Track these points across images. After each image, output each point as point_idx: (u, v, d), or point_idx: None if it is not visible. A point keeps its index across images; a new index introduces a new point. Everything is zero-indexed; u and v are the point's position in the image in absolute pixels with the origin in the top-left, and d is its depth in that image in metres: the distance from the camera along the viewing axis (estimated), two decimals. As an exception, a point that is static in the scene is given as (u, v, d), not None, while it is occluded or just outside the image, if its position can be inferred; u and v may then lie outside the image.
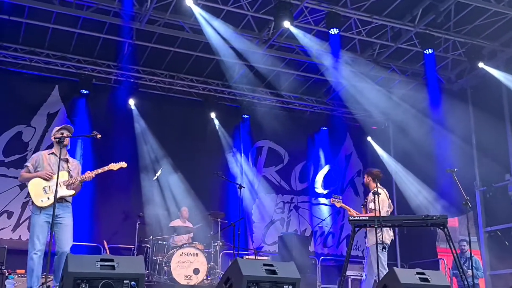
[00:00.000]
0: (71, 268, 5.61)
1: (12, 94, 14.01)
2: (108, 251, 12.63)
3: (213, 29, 12.67)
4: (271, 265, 6.52)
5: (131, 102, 15.14)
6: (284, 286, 6.42)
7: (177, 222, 12.99)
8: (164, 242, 12.19)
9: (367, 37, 13.70)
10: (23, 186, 13.50)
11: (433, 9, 12.34)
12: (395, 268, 7.27)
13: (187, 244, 11.81)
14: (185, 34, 13.33)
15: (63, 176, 7.73)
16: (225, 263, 13.17)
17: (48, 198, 7.57)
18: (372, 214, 8.79)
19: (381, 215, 8.72)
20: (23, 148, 14.11)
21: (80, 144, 14.26)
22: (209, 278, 11.69)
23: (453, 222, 16.05)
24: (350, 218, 8.71)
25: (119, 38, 13.54)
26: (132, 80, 15.07)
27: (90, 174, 7.88)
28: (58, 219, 7.56)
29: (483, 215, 14.18)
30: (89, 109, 14.68)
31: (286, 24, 11.95)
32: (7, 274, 10.34)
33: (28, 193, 7.76)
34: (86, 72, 14.53)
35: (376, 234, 8.43)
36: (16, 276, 10.55)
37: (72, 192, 7.80)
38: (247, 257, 13.38)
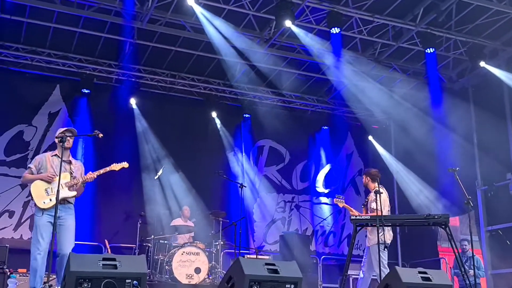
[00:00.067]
0: (73, 268, 5.62)
1: (14, 94, 14.01)
2: (109, 250, 12.63)
3: (215, 28, 12.66)
4: (273, 264, 6.52)
5: (132, 101, 15.14)
6: (286, 286, 6.42)
7: (178, 221, 13.01)
8: (166, 241, 12.19)
9: (369, 36, 13.69)
10: (24, 185, 13.51)
11: (435, 8, 12.33)
12: (397, 267, 7.27)
13: (189, 243, 11.82)
14: (186, 33, 13.33)
15: (65, 177, 7.75)
16: (227, 262, 13.19)
17: (50, 200, 7.60)
18: (374, 214, 8.79)
19: (383, 214, 8.72)
20: (24, 148, 14.12)
21: (82, 144, 14.28)
22: (210, 277, 11.69)
23: (454, 221, 16.07)
24: (352, 217, 8.72)
25: (120, 37, 13.53)
26: (133, 79, 15.07)
27: (92, 175, 7.90)
28: (60, 221, 7.59)
29: (485, 214, 14.17)
30: (90, 109, 14.68)
31: (288, 23, 11.93)
32: (8, 273, 10.34)
33: (30, 194, 7.78)
34: (88, 72, 14.53)
35: (378, 233, 8.42)
36: (18, 275, 10.56)
37: (74, 193, 7.81)
38: (248, 256, 13.38)
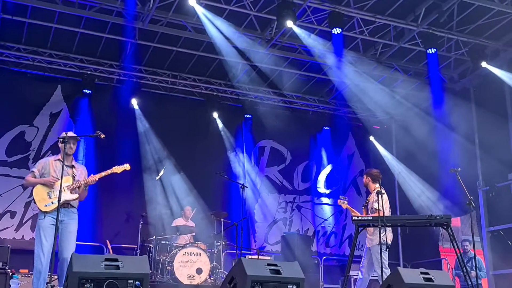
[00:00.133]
0: (76, 268, 5.61)
1: (15, 94, 14.01)
2: (111, 251, 12.63)
3: (216, 28, 12.66)
4: (275, 265, 6.50)
5: (134, 101, 15.14)
6: (289, 286, 6.40)
7: (179, 221, 13.01)
8: (167, 242, 12.19)
9: (370, 37, 13.70)
10: (25, 186, 13.54)
11: (436, 9, 12.33)
12: (399, 268, 7.26)
13: (190, 244, 11.81)
14: (188, 33, 13.33)
15: (68, 181, 7.80)
16: (228, 263, 13.19)
17: (52, 203, 7.64)
18: (376, 214, 8.78)
19: (385, 215, 8.70)
20: (26, 148, 14.12)
21: (83, 144, 14.26)
22: (212, 278, 11.69)
23: (455, 222, 16.02)
24: (354, 218, 8.70)
25: (121, 37, 13.54)
26: (134, 79, 15.07)
27: (93, 178, 7.93)
28: (62, 225, 7.66)
29: (486, 214, 14.18)
30: (91, 109, 14.68)
31: (289, 23, 11.94)
32: (10, 273, 10.34)
33: (33, 197, 7.83)
34: (89, 72, 14.53)
35: (380, 234, 8.41)
36: (20, 275, 10.57)
37: (76, 196, 7.83)
38: (249, 256, 13.37)
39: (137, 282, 5.73)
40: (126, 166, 8.26)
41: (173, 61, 14.89)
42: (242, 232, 11.33)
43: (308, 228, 16.87)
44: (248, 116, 16.55)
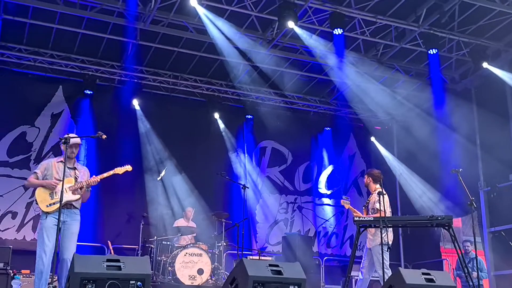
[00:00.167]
0: (77, 269, 5.62)
1: (16, 95, 14.01)
2: (112, 251, 12.64)
3: (217, 29, 12.67)
4: (277, 266, 6.52)
5: (135, 102, 15.14)
6: (290, 287, 6.42)
7: (180, 222, 13.02)
8: (168, 243, 12.19)
9: (371, 37, 13.69)
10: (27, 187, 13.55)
11: (437, 9, 12.32)
12: (400, 268, 7.26)
13: (191, 245, 11.81)
14: (189, 34, 13.33)
15: (70, 182, 7.83)
16: (229, 263, 13.20)
17: (54, 204, 7.66)
18: (378, 215, 8.78)
19: (386, 215, 8.71)
20: (27, 149, 14.12)
21: (84, 145, 14.26)
22: (213, 278, 11.69)
23: (456, 222, 16.03)
24: (355, 218, 8.70)
25: (123, 38, 13.54)
26: (136, 80, 15.07)
27: (95, 179, 7.95)
28: (64, 226, 7.69)
29: (487, 215, 14.15)
30: (93, 110, 14.68)
31: (290, 24, 11.94)
32: (12, 274, 10.36)
33: (35, 198, 7.86)
34: (90, 73, 14.54)
35: (382, 235, 8.41)
36: (22, 276, 10.57)
37: (78, 196, 7.85)
38: (251, 257, 13.38)
39: (138, 283, 5.75)
40: (128, 167, 8.28)
41: (175, 62, 14.89)
42: (243, 233, 11.33)
43: (309, 229, 16.87)
44: (249, 116, 16.54)
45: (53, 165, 7.96)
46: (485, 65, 13.53)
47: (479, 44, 13.59)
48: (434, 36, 13.03)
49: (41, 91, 14.48)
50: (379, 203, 8.68)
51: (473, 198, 8.79)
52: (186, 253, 11.38)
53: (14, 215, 13.64)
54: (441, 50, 13.52)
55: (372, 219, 8.68)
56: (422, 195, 15.44)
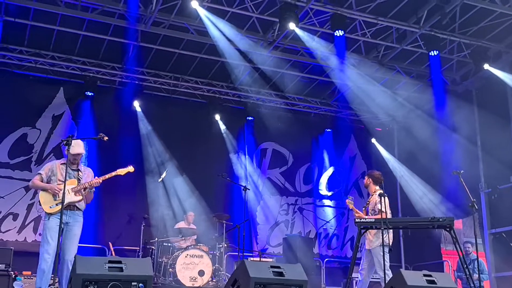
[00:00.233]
0: (79, 270, 5.63)
1: (17, 96, 14.01)
2: (113, 253, 12.64)
3: (218, 30, 12.68)
4: (278, 267, 6.53)
5: (136, 104, 15.13)
6: (291, 288, 6.44)
7: (181, 225, 13.04)
8: (169, 244, 12.20)
9: (372, 39, 13.68)
10: (28, 188, 13.53)
11: (439, 11, 12.29)
12: (402, 270, 7.26)
13: (192, 246, 11.81)
14: (190, 36, 13.34)
15: (73, 183, 7.87)
16: (230, 265, 13.21)
17: (57, 205, 7.70)
18: (379, 216, 8.77)
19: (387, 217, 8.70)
20: (28, 150, 14.12)
21: (85, 146, 14.21)
22: (214, 280, 11.70)
23: (457, 224, 16.05)
24: (356, 220, 8.69)
25: (124, 40, 13.56)
26: (137, 82, 15.08)
27: (97, 180, 8.02)
28: (67, 227, 7.77)
29: (488, 217, 14.15)
30: (94, 111, 14.69)
31: (291, 25, 11.96)
32: (13, 275, 10.36)
33: (39, 199, 7.90)
34: (91, 74, 14.55)
35: (383, 236, 8.41)
36: (23, 277, 10.57)
37: (80, 197, 7.89)
38: (252, 259, 13.38)
39: (140, 284, 5.75)
40: (130, 168, 8.32)
41: (176, 63, 14.90)
42: (244, 234, 11.34)
43: (310, 230, 16.86)
44: (250, 118, 16.54)
45: (57, 167, 8.00)
46: (486, 66, 13.53)
47: (480, 46, 13.59)
48: (435, 38, 13.03)
49: (42, 93, 14.49)
50: (381, 204, 8.67)
51: (474, 200, 8.77)
52: (187, 254, 11.39)
53: (15, 216, 13.64)
54: (442, 52, 13.50)
55: (374, 220, 8.67)
56: (423, 197, 15.44)
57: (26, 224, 13.70)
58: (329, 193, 17.41)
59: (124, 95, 14.98)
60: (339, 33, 12.53)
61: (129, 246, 13.40)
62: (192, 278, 11.18)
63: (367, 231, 9.31)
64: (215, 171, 13.48)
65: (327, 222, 17.13)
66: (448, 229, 8.29)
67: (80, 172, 8.05)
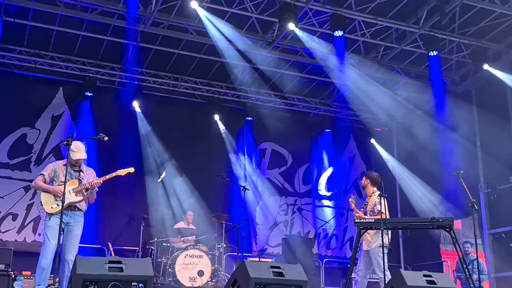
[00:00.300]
0: (79, 270, 5.63)
1: (17, 97, 14.02)
2: (112, 253, 12.64)
3: (218, 31, 12.68)
4: (278, 267, 6.53)
5: (135, 104, 15.14)
6: (291, 288, 6.44)
7: (181, 225, 13.04)
8: (169, 244, 12.20)
9: (372, 39, 13.68)
10: (27, 188, 13.59)
11: (438, 11, 12.30)
12: (401, 270, 7.27)
13: (192, 246, 11.81)
14: (189, 36, 13.35)
15: (74, 183, 7.92)
16: (229, 265, 13.21)
17: (58, 205, 7.72)
18: (378, 217, 8.78)
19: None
20: (27, 151, 14.13)
21: (85, 147, 14.22)
22: (213, 280, 11.69)
23: (456, 224, 16.04)
24: (356, 220, 8.69)
25: (123, 40, 13.56)
26: (136, 82, 15.07)
27: (98, 180, 8.07)
28: (68, 227, 7.82)
29: (488, 217, 14.15)
30: (93, 112, 14.69)
31: (291, 26, 11.96)
32: (13, 275, 10.36)
33: (40, 200, 7.95)
34: (91, 75, 14.54)
35: (383, 236, 8.41)
36: (23, 278, 10.57)
37: (80, 198, 7.93)
38: (251, 259, 13.38)
39: (140, 285, 5.75)
40: (130, 169, 8.37)
41: (175, 64, 14.90)
42: (243, 234, 11.36)
43: (309, 231, 16.87)
44: (249, 118, 16.54)
45: (60, 168, 8.04)
46: (485, 67, 13.54)
47: (479, 46, 13.60)
48: (435, 38, 13.03)
49: (42, 93, 14.50)
50: (381, 205, 8.67)
51: (474, 200, 8.77)
52: (187, 254, 11.37)
53: (15, 216, 13.64)
54: (442, 52, 13.51)
55: (374, 220, 8.68)
56: (423, 197, 15.44)
57: (25, 224, 13.71)
58: (328, 194, 17.42)
59: (124, 95, 14.99)
60: (338, 33, 12.52)
61: (129, 246, 13.39)
62: (191, 278, 11.17)
63: (366, 232, 9.31)
64: (215, 171, 13.48)
65: (326, 222, 17.13)
66: (448, 230, 8.29)
67: (82, 173, 8.08)
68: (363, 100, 15.42)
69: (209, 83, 15.75)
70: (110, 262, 5.83)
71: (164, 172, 13.47)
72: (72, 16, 12.47)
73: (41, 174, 8.05)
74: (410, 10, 12.75)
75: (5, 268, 10.33)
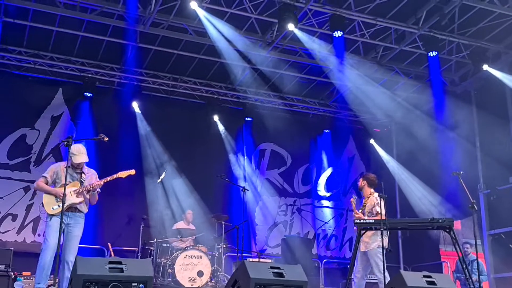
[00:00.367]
0: (80, 271, 5.63)
1: (16, 97, 14.01)
2: (112, 253, 12.64)
3: (217, 31, 12.68)
4: (278, 268, 6.53)
5: (135, 104, 15.13)
6: (291, 289, 6.44)
7: (180, 225, 13.04)
8: (168, 245, 12.19)
9: (371, 40, 13.68)
10: (27, 188, 13.60)
11: (437, 11, 12.33)
12: (401, 271, 7.27)
13: (191, 247, 11.81)
14: (189, 36, 13.34)
15: (75, 185, 7.97)
16: (229, 266, 13.22)
17: (59, 206, 7.75)
18: (378, 218, 8.78)
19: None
20: (27, 151, 14.12)
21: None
22: (213, 281, 11.69)
23: (456, 224, 16.04)
24: (356, 220, 8.68)
25: (123, 41, 13.55)
26: (135, 83, 15.07)
27: (99, 182, 8.12)
28: (68, 228, 7.87)
29: (487, 218, 14.13)
30: (92, 112, 14.68)
31: (290, 26, 11.96)
32: (13, 276, 10.36)
33: (42, 201, 7.99)
34: (90, 75, 14.54)
35: (382, 237, 8.41)
36: (23, 278, 10.57)
37: (81, 199, 7.95)
38: (250, 259, 13.38)
39: (141, 285, 5.75)
40: (131, 171, 8.42)
41: (174, 64, 14.90)
42: (243, 235, 11.37)
43: (309, 231, 16.87)
44: (248, 119, 16.53)
45: (62, 170, 8.06)
46: (485, 67, 13.54)
47: (479, 46, 13.60)
48: (434, 38, 13.03)
49: (41, 94, 14.49)
50: (380, 206, 8.67)
51: (474, 201, 8.77)
52: (186, 255, 11.37)
53: (15, 217, 13.63)
54: (441, 52, 13.51)
55: (373, 221, 8.67)
56: (422, 198, 15.44)
57: (25, 224, 13.70)
58: (328, 194, 17.42)
59: (123, 96, 14.98)
60: (338, 33, 12.50)
61: (128, 247, 13.37)
62: (191, 279, 11.17)
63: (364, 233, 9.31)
64: (214, 172, 13.46)
65: (326, 223, 17.13)
66: (447, 230, 8.30)
67: (83, 175, 8.12)
68: (362, 101, 15.42)
69: (209, 83, 15.74)
70: (110, 262, 5.84)
71: (164, 172, 13.45)
72: (72, 17, 12.46)
73: (43, 176, 8.08)
74: (410, 11, 12.75)
75: (5, 268, 10.34)
